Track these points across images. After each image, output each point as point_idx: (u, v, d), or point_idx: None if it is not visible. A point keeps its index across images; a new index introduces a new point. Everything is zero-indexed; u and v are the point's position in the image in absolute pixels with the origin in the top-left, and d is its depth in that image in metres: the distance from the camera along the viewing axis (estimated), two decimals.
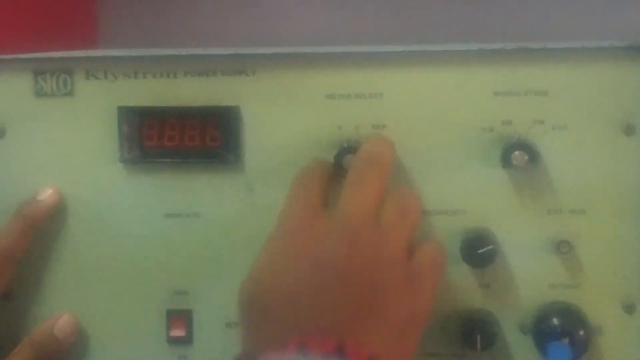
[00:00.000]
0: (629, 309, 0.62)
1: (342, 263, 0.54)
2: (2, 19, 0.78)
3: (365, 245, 0.55)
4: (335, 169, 0.61)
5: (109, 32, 0.97)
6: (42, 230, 0.65)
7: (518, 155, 0.60)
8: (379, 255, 0.55)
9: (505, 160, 0.60)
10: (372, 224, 0.56)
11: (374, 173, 0.58)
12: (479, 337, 0.61)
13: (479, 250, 0.61)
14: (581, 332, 0.60)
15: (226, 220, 0.65)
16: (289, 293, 0.54)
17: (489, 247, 0.61)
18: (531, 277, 0.62)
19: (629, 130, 0.60)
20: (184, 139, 0.64)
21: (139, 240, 0.66)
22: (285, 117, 0.63)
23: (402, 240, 0.57)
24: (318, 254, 0.55)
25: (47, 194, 0.65)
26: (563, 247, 0.62)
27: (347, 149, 0.61)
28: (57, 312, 0.66)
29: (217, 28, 0.95)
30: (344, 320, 0.52)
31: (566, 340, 0.60)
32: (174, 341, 0.66)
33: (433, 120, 0.62)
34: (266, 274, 0.56)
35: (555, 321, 0.61)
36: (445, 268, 0.60)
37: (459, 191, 0.62)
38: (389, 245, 0.56)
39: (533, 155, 0.60)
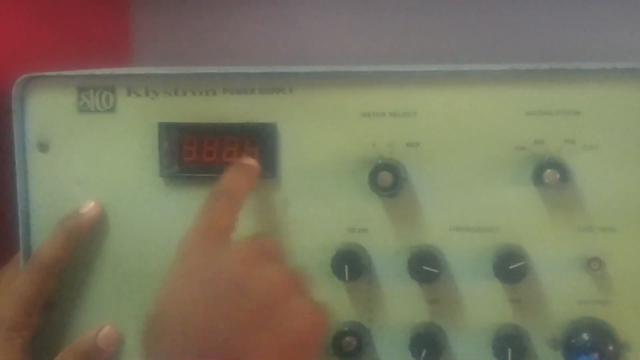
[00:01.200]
0: None
1: (232, 281, 0.54)
2: (44, 37, 0.79)
3: (255, 265, 0.55)
4: (370, 186, 0.62)
5: (142, 51, 0.98)
6: (83, 243, 0.67)
7: (550, 174, 0.61)
8: (267, 276, 0.55)
9: (537, 179, 0.61)
10: (261, 249, 0.57)
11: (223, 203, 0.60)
12: (509, 351, 0.62)
13: (510, 266, 0.62)
14: (610, 348, 0.61)
15: (263, 233, 0.66)
16: (184, 316, 0.53)
17: (520, 263, 0.62)
18: (562, 293, 0.63)
19: None
20: (222, 154, 0.66)
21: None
22: (321, 135, 0.65)
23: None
24: (211, 274, 0.54)
25: (89, 207, 0.67)
26: (593, 264, 0.62)
27: (381, 166, 0.62)
28: (99, 322, 0.67)
29: (251, 46, 0.96)
30: (237, 337, 0.52)
31: (596, 355, 0.61)
32: None
33: (466, 138, 0.63)
34: (164, 300, 0.55)
35: (585, 336, 0.62)
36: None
37: (492, 209, 0.63)
38: (273, 267, 0.56)
39: (564, 173, 0.61)
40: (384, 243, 0.65)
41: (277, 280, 0.55)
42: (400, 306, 0.65)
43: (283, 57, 0.95)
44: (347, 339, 0.64)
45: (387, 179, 0.62)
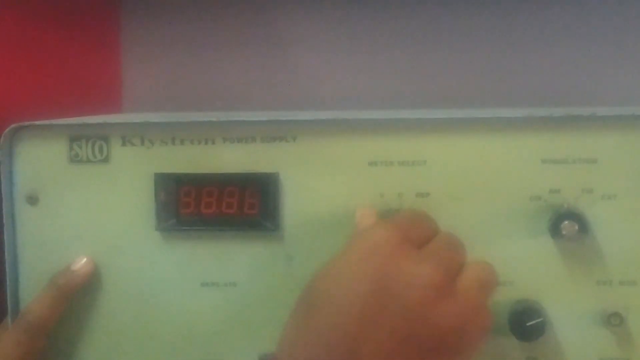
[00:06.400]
0: None
1: (412, 308, 0.51)
2: (32, 84, 0.77)
3: (440, 301, 0.52)
4: None
5: (134, 96, 0.96)
6: (75, 301, 0.64)
7: (567, 225, 0.58)
8: (448, 317, 0.52)
9: (554, 230, 0.59)
10: (449, 280, 0.54)
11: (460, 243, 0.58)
12: None
13: (527, 323, 0.59)
14: None
15: (264, 290, 0.63)
16: (344, 304, 0.52)
17: (538, 320, 0.59)
18: (581, 350, 0.61)
19: None
20: (221, 206, 0.63)
21: (175, 309, 0.64)
22: (326, 185, 0.62)
23: (474, 307, 0.54)
24: (388, 284, 0.52)
25: (81, 264, 0.64)
26: (614, 320, 0.60)
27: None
28: None
29: (249, 91, 0.94)
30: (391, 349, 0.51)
31: None
32: None
33: (479, 188, 0.61)
34: (332, 277, 0.53)
35: None
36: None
37: (507, 262, 0.61)
38: (459, 309, 0.53)
39: (583, 225, 0.58)
40: None
41: (453, 323, 0.52)
42: None
43: (282, 102, 0.92)
44: None
45: None
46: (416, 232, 0.56)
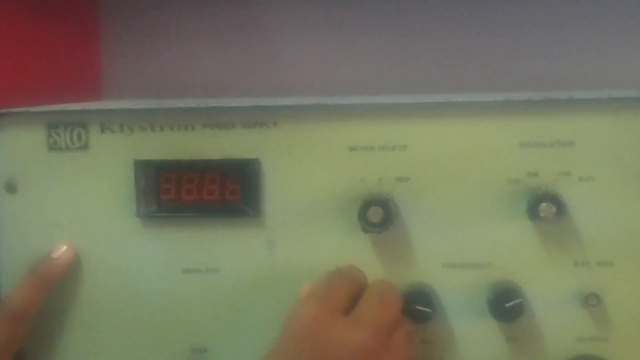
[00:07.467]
0: None
1: None
2: (10, 71, 0.76)
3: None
4: (359, 223, 0.60)
5: (113, 84, 0.95)
6: (56, 288, 0.64)
7: (545, 207, 0.59)
8: None
9: (532, 213, 0.60)
10: (385, 341, 0.55)
11: (387, 288, 0.59)
12: None
13: (506, 304, 0.60)
14: None
15: (246, 275, 0.63)
16: None
17: (516, 301, 0.60)
18: (559, 330, 0.62)
19: None
20: (202, 192, 0.63)
21: (157, 297, 0.64)
22: (307, 170, 0.62)
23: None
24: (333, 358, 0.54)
25: (61, 252, 0.63)
26: (591, 300, 0.61)
27: (371, 201, 0.60)
28: None
29: (229, 78, 0.93)
30: None
31: None
32: None
33: (458, 172, 0.61)
34: None
35: None
36: None
37: (486, 244, 0.61)
38: None
39: (560, 207, 0.59)
40: None
41: None
42: None
43: (264, 89, 0.92)
44: None
45: (378, 214, 0.60)
46: (341, 295, 0.57)
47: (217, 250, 0.63)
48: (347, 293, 0.58)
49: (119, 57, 0.94)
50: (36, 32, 0.82)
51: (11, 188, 0.64)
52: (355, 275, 0.60)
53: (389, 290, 0.59)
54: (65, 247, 0.64)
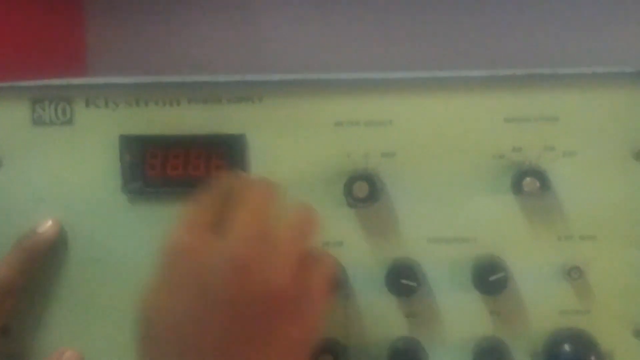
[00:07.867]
0: None
1: (225, 291, 0.49)
2: None
3: (250, 271, 0.50)
4: (345, 198, 0.60)
5: (98, 60, 0.94)
6: (41, 263, 0.63)
7: (529, 182, 0.60)
8: (265, 283, 0.50)
9: (516, 187, 0.60)
10: (257, 246, 0.51)
11: (256, 191, 0.54)
12: None
13: (490, 278, 0.60)
14: (592, 358, 0.60)
15: None
16: (175, 321, 0.51)
17: (500, 275, 0.60)
18: (542, 303, 0.62)
19: (639, 155, 0.60)
20: (188, 168, 0.63)
21: (142, 272, 0.64)
22: (293, 145, 0.62)
23: (292, 255, 0.52)
24: (202, 282, 0.50)
25: (46, 226, 0.63)
26: (574, 273, 0.62)
27: (357, 176, 0.60)
28: (60, 348, 0.64)
29: (215, 54, 0.93)
30: (230, 348, 0.50)
31: None
32: None
33: (443, 147, 0.61)
34: (153, 307, 0.52)
35: (566, 347, 0.61)
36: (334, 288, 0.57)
37: (470, 219, 0.62)
38: (276, 267, 0.51)
39: (544, 181, 0.60)
40: (360, 256, 0.63)
41: (273, 287, 0.50)
42: (378, 321, 0.63)
43: (249, 65, 0.91)
44: (323, 357, 0.62)
45: (364, 189, 0.60)
46: (205, 214, 0.53)
47: None
48: (211, 208, 0.54)
49: (104, 32, 0.93)
50: (20, 6, 0.81)
51: None
52: (218, 190, 0.56)
53: (262, 193, 0.54)
54: (50, 222, 0.64)
